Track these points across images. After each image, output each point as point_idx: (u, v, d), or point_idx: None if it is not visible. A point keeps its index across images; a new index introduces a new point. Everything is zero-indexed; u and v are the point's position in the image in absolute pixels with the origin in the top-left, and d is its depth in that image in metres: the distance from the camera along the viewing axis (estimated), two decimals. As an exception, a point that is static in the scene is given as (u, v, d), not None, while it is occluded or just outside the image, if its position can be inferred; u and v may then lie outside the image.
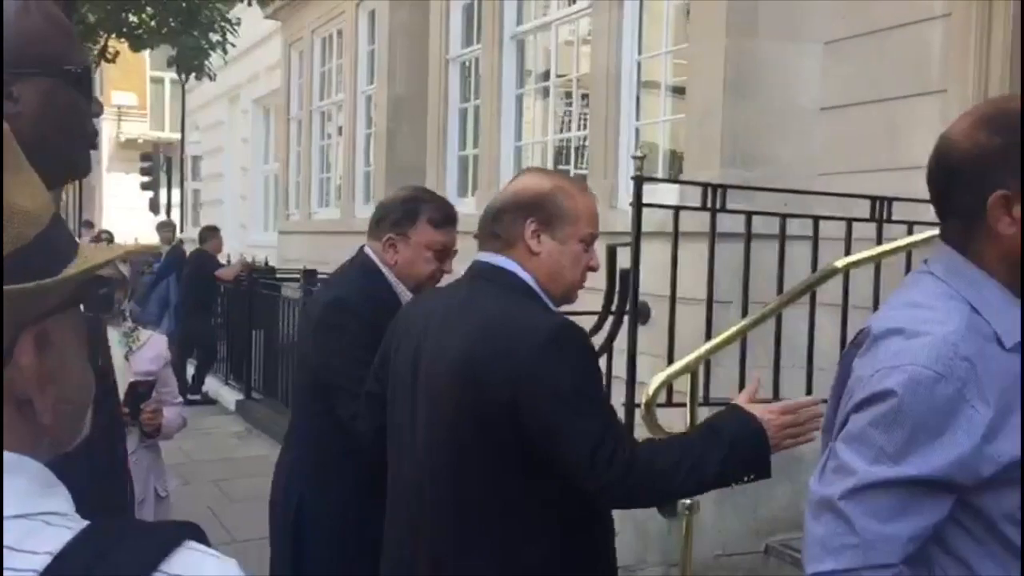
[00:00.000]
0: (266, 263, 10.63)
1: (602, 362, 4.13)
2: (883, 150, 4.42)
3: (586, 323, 4.33)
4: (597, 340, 4.19)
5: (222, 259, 10.25)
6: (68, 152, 1.25)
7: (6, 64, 1.15)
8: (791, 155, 4.70)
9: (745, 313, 3.71)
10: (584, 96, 6.67)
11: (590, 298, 4.51)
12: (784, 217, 3.83)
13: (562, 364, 1.76)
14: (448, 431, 1.83)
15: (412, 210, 2.55)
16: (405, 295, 2.52)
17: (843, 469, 1.25)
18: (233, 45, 12.22)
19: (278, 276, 9.21)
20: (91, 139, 1.31)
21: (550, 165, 7.06)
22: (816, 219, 3.87)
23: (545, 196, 1.89)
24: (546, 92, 7.14)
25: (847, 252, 3.75)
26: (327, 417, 2.40)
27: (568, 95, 7.24)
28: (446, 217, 2.60)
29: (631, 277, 3.83)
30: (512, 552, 1.80)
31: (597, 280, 4.27)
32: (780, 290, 3.72)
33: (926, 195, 4.22)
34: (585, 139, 6.42)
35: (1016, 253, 1.28)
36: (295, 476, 2.55)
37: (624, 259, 4.02)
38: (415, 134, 8.59)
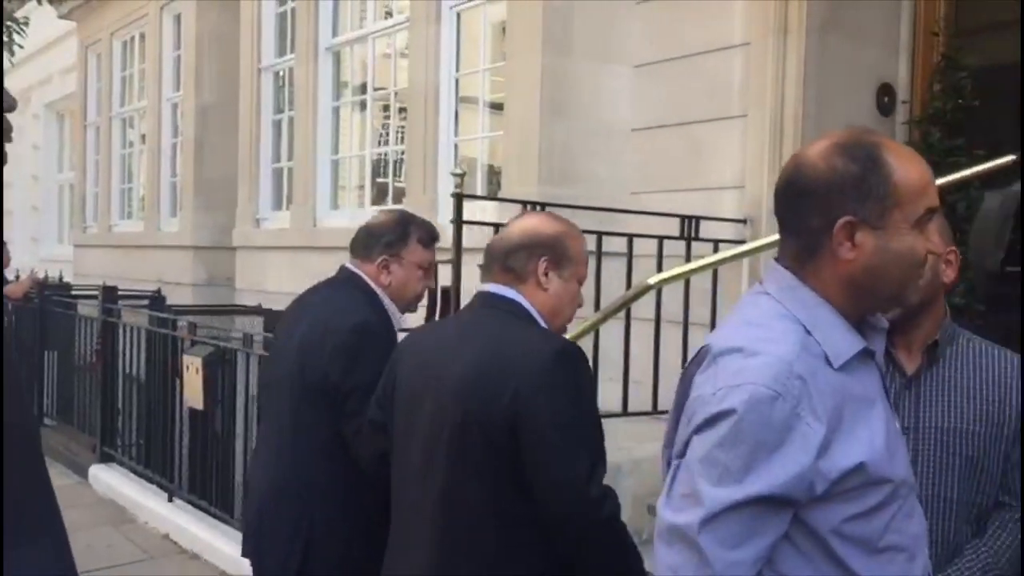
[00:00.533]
0: (60, 279, 9.92)
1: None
2: (690, 170, 4.64)
3: (407, 340, 4.28)
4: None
5: (9, 274, 9.48)
6: None
7: None
8: (605, 174, 4.85)
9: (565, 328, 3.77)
10: (402, 110, 6.63)
11: (415, 313, 4.46)
12: (600, 235, 3.92)
13: (566, 382, 1.90)
14: (451, 446, 1.92)
15: (404, 231, 2.67)
16: (396, 315, 2.66)
17: (693, 495, 1.27)
18: (20, 46, 11.36)
19: (73, 293, 8.60)
20: (5, 132, 1.36)
21: (368, 179, 6.98)
22: (630, 237, 3.99)
23: (556, 238, 2.09)
24: (363, 105, 7.05)
25: (659, 269, 3.89)
26: (340, 441, 2.45)
27: (386, 108, 7.18)
28: (432, 236, 2.75)
29: (452, 294, 3.81)
30: (503, 564, 1.90)
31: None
32: (597, 306, 3.81)
33: (730, 214, 4.44)
34: (403, 153, 6.38)
35: (852, 279, 1.34)
36: (304, 498, 2.53)
37: (444, 276, 4.00)
38: (225, 145, 8.27)
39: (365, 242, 2.67)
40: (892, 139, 1.40)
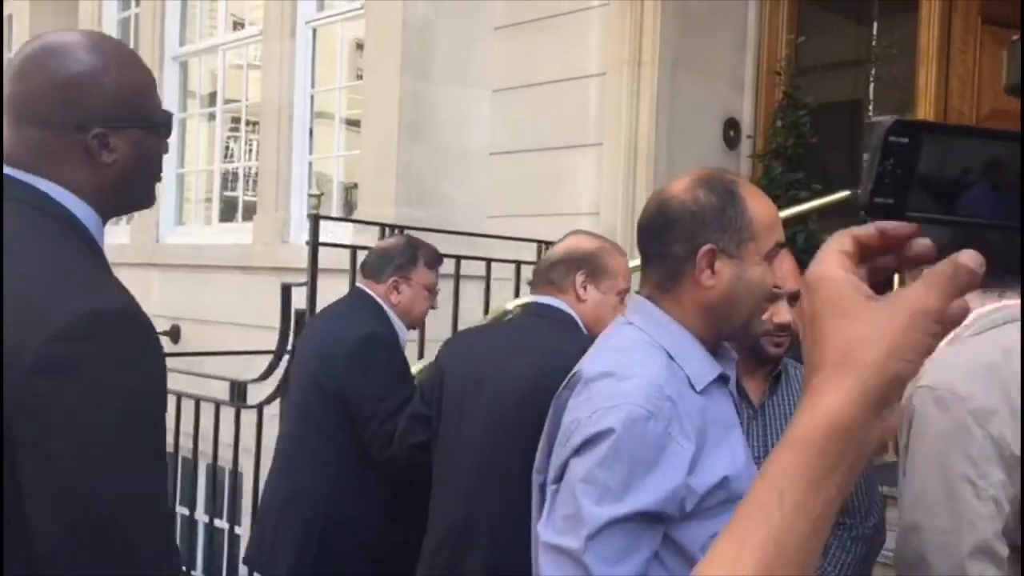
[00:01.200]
0: None
1: (276, 405, 3.98)
2: (546, 196, 4.69)
3: (262, 363, 4.14)
4: (273, 380, 4.02)
5: None
6: (146, 191, 1.42)
7: (106, 118, 1.29)
8: (463, 197, 4.84)
9: (422, 353, 3.74)
10: (251, 123, 6.44)
11: (266, 336, 4.32)
12: (459, 259, 3.91)
13: None
14: (515, 439, 2.03)
15: (413, 254, 2.88)
16: (402, 331, 2.88)
17: (575, 515, 1.30)
18: None
19: None
20: (159, 175, 1.45)
21: (216, 193, 6.73)
22: (488, 261, 4.00)
23: (593, 253, 2.24)
24: (212, 117, 6.81)
25: (516, 293, 3.91)
26: (355, 444, 2.65)
27: (236, 120, 6.96)
28: (437, 258, 2.97)
29: (308, 316, 3.71)
30: None
31: (272, 318, 4.11)
32: (455, 329, 3.79)
33: (587, 241, 4.37)
34: (253, 169, 6.20)
35: (710, 305, 1.43)
36: (317, 499, 2.71)
37: (299, 299, 3.90)
38: (60, 153, 7.81)
39: (376, 265, 2.88)
40: (743, 178, 1.53)
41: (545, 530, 1.35)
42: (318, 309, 3.79)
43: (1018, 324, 1.53)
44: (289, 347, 4.01)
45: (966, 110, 4.20)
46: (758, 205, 1.45)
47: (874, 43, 6.03)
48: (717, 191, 1.44)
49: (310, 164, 5.71)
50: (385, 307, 2.84)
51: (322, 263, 3.84)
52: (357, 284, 2.94)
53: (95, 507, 1.13)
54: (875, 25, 6.32)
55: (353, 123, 5.55)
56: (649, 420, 1.30)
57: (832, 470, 0.57)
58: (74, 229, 1.27)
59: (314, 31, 5.67)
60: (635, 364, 1.38)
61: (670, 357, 1.40)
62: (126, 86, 1.32)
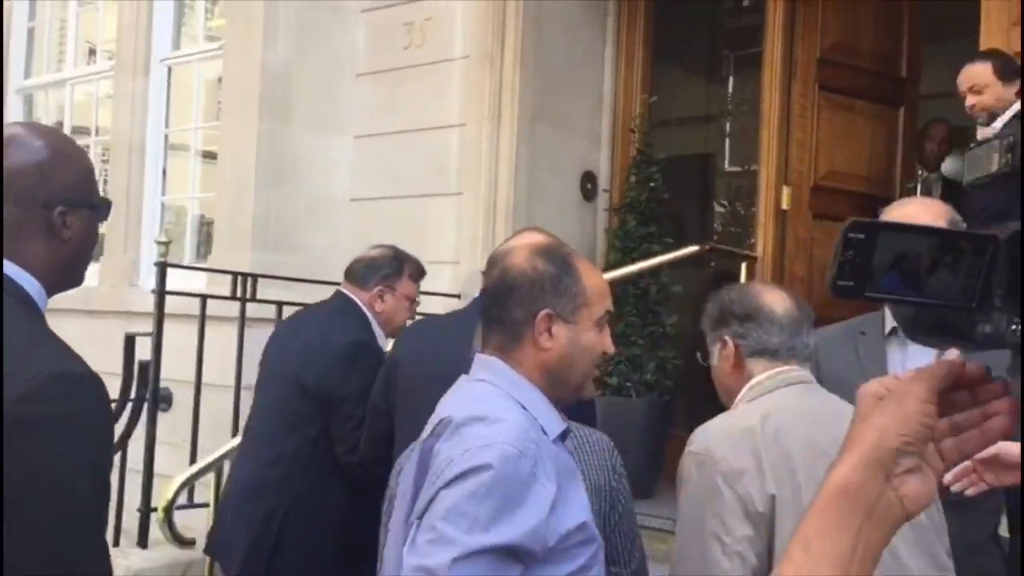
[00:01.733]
0: None
1: (117, 457, 3.79)
2: (407, 244, 4.64)
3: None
4: (116, 429, 3.83)
5: None
6: (83, 270, 1.53)
7: (66, 199, 1.44)
8: (323, 243, 4.77)
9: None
10: (104, 152, 6.18)
11: (112, 384, 4.11)
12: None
13: None
14: None
15: (399, 266, 2.96)
16: (382, 339, 2.92)
17: (442, 540, 1.33)
18: None
19: None
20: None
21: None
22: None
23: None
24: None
25: (375, 342, 3.87)
26: (324, 439, 2.74)
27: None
28: (421, 272, 3.07)
29: (152, 369, 3.57)
30: None
31: (115, 365, 3.92)
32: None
33: (445, 289, 4.50)
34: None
35: (548, 366, 1.54)
36: (282, 489, 2.75)
37: (143, 350, 3.75)
38: None
39: (363, 273, 2.94)
40: (576, 251, 1.69)
41: (409, 555, 1.39)
42: (164, 359, 3.66)
43: (790, 388, 1.79)
44: (132, 397, 3.84)
45: (805, 171, 4.45)
46: (590, 276, 1.60)
47: (728, 101, 6.31)
48: (554, 261, 1.57)
49: (162, 205, 5.53)
50: (368, 314, 2.91)
51: (172, 308, 3.71)
52: (340, 289, 2.98)
53: (56, 552, 1.26)
54: (731, 82, 6.66)
55: (210, 156, 5.40)
56: (520, 459, 1.37)
57: (846, 522, 0.72)
58: (28, 304, 1.42)
59: (169, 69, 5.53)
60: (499, 410, 1.47)
61: (524, 408, 1.49)
62: (80, 170, 1.48)
